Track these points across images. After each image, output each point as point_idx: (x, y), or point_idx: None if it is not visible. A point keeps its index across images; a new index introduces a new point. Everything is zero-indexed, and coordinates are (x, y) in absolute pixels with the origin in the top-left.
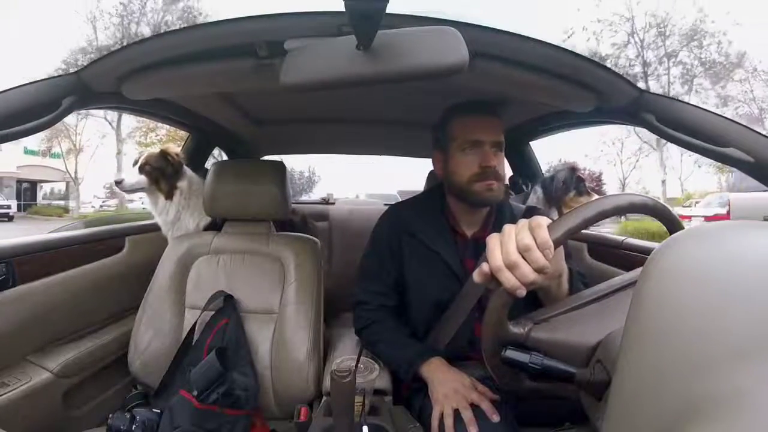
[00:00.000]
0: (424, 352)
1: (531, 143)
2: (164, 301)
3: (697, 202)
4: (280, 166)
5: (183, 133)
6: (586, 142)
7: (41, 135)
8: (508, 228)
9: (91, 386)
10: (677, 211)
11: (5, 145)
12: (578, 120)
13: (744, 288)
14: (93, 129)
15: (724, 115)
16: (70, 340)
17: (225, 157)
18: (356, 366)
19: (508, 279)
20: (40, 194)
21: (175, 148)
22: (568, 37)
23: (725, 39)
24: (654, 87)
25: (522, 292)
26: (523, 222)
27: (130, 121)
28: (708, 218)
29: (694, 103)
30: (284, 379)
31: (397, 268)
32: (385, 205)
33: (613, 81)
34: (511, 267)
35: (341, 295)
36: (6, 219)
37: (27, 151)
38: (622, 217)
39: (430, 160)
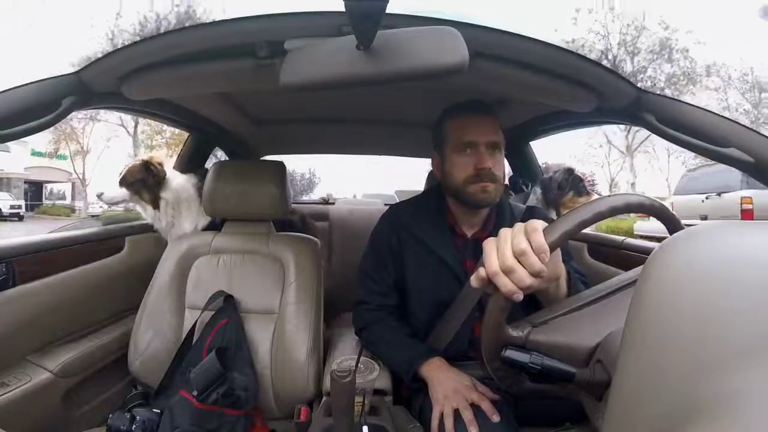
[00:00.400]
0: (425, 352)
1: (531, 143)
2: (164, 301)
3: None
4: (280, 166)
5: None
6: (574, 144)
7: (48, 137)
8: (504, 232)
9: (91, 386)
10: None
11: (13, 147)
12: (578, 120)
13: (744, 288)
14: (101, 133)
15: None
16: (70, 340)
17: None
18: (356, 366)
19: (505, 284)
20: (45, 195)
21: (159, 158)
22: None
23: (689, 56)
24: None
25: (519, 296)
26: (519, 226)
27: (141, 125)
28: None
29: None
30: (284, 379)
31: (397, 268)
32: (386, 205)
33: (613, 81)
34: (507, 272)
35: (341, 295)
36: (17, 219)
37: (34, 153)
38: None
39: (429, 160)
